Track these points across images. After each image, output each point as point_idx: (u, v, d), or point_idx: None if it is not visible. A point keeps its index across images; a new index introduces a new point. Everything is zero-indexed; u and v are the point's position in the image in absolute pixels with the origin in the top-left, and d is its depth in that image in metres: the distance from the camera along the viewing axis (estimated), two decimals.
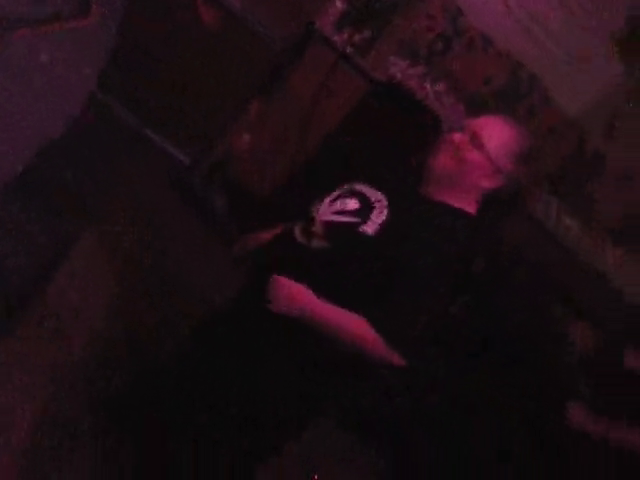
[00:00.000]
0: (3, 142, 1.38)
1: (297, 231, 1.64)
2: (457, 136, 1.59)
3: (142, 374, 2.18)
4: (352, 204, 1.61)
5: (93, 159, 2.82)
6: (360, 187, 1.67)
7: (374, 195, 1.62)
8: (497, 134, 1.57)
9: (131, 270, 2.77)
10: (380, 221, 1.54)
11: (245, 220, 3.26)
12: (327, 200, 1.67)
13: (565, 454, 2.39)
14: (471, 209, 1.61)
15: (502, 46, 3.28)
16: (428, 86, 3.22)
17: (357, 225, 1.55)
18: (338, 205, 1.63)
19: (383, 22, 3.18)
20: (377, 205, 1.59)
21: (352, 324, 1.52)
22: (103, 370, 2.31)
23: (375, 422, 2.88)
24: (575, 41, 3.45)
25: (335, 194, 1.67)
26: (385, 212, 1.56)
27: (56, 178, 2.53)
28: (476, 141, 1.56)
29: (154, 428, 1.88)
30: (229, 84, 3.29)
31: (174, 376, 1.88)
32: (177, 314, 2.65)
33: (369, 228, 1.53)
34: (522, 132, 1.63)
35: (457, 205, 1.60)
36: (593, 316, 2.73)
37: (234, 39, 3.21)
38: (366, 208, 1.59)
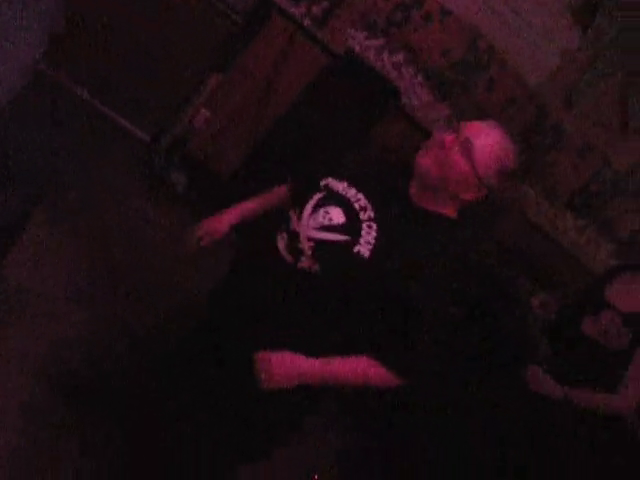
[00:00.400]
0: None
1: (281, 246, 1.54)
2: (448, 138, 1.50)
3: (128, 368, 2.15)
4: (337, 216, 1.51)
5: (46, 139, 2.75)
6: (339, 186, 1.57)
7: (357, 200, 1.53)
8: (488, 144, 1.49)
9: (97, 254, 2.73)
10: (372, 240, 1.46)
11: (206, 197, 3.24)
12: (308, 207, 1.55)
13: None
14: (451, 213, 1.56)
15: (461, 17, 3.28)
16: (386, 58, 3.21)
17: (350, 245, 1.46)
18: (322, 217, 1.52)
19: None
20: (363, 216, 1.50)
21: (355, 370, 1.49)
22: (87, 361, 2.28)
23: (377, 421, 2.87)
24: (535, 12, 3.46)
25: (315, 199, 1.56)
26: (374, 227, 1.48)
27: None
28: (466, 148, 1.48)
29: (143, 424, 1.88)
30: (187, 58, 3.24)
31: (163, 371, 1.86)
32: (151, 303, 2.63)
33: (364, 249, 1.45)
34: (514, 149, 1.54)
35: (442, 212, 1.55)
36: (554, 285, 2.76)
37: (192, 11, 3.16)
38: (353, 221, 1.49)
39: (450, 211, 1.55)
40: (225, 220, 1.84)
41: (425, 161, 1.50)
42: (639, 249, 3.70)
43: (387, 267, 1.44)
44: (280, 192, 1.87)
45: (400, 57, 3.21)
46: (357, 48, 3.14)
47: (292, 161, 2.90)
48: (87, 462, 2.04)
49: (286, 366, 1.48)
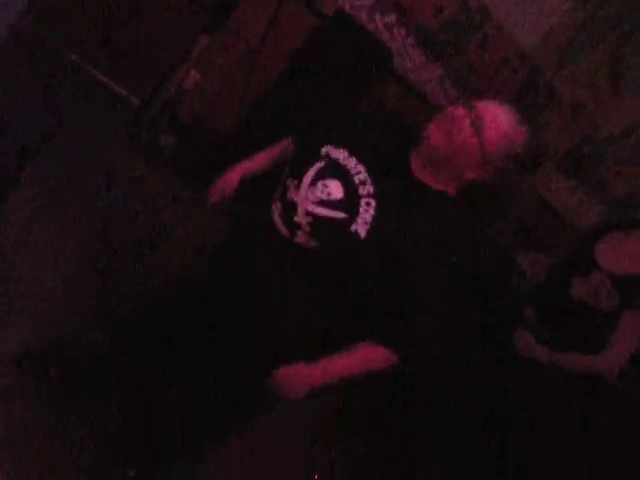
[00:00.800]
0: None
1: (277, 216, 1.54)
2: (459, 112, 1.48)
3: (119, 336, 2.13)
4: (336, 191, 1.49)
5: (27, 99, 2.71)
6: (339, 155, 1.54)
7: (357, 172, 1.51)
8: (499, 125, 1.47)
9: (74, 223, 2.69)
10: (370, 218, 1.45)
11: (196, 160, 3.22)
12: (306, 179, 1.53)
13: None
14: (452, 191, 1.55)
15: None
16: (378, 18, 3.16)
17: (346, 223, 1.46)
18: (320, 190, 1.50)
19: None
20: (362, 192, 1.48)
21: (354, 361, 1.52)
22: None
23: (377, 421, 2.89)
24: None
25: (314, 169, 1.54)
26: (372, 204, 1.47)
27: None
28: (478, 124, 1.45)
29: (137, 399, 1.90)
30: (176, 19, 3.19)
31: (158, 346, 1.86)
32: (152, 271, 2.63)
33: (361, 228, 1.45)
34: (525, 134, 1.51)
35: (444, 189, 1.54)
36: (543, 245, 2.76)
37: None
38: (351, 197, 1.48)
39: (450, 189, 1.54)
40: (232, 176, 1.85)
41: (434, 134, 1.49)
42: (631, 211, 3.71)
43: (383, 246, 1.44)
44: (284, 146, 1.86)
45: (392, 18, 3.17)
46: (347, 9, 3.09)
47: (285, 124, 2.87)
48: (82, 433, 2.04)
49: (288, 379, 1.53)
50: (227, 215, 2.09)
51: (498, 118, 1.47)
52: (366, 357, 1.52)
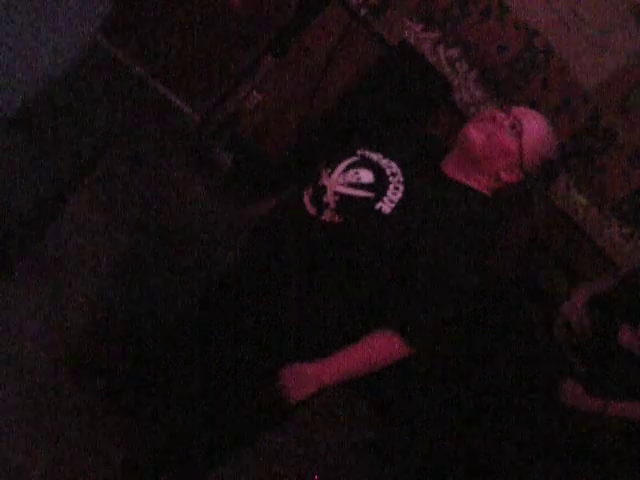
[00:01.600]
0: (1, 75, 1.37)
1: (306, 198, 1.57)
2: (500, 115, 1.52)
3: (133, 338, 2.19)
4: (367, 176, 1.53)
5: (95, 109, 2.80)
6: (373, 156, 1.59)
7: (389, 167, 1.55)
8: (537, 130, 1.52)
9: (128, 229, 2.74)
10: (397, 199, 1.48)
11: (253, 180, 3.27)
12: (340, 167, 1.58)
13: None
14: (485, 191, 1.58)
15: (519, 14, 3.23)
16: (441, 51, 3.18)
17: (373, 201, 1.48)
18: (351, 176, 1.54)
19: None
20: (393, 180, 1.52)
21: (365, 355, 1.51)
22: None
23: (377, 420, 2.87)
24: (596, 14, 3.39)
25: (348, 161, 1.59)
26: (401, 189, 1.50)
27: (51, 123, 2.50)
28: (517, 128, 1.51)
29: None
30: (243, 39, 3.26)
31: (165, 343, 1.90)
32: (175, 278, 2.65)
33: (386, 206, 1.47)
34: (556, 140, 1.59)
35: (476, 187, 1.56)
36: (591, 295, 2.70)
37: None
38: (381, 182, 1.51)
39: (484, 188, 1.57)
40: (259, 210, 1.88)
41: (474, 132, 1.53)
42: None
43: (406, 225, 1.46)
44: None
45: (455, 52, 3.18)
46: (412, 40, 3.12)
47: (342, 151, 2.90)
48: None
49: (298, 376, 1.51)
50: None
51: (535, 123, 1.53)
52: (379, 348, 1.51)
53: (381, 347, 1.51)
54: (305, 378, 1.51)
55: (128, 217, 2.78)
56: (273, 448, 2.41)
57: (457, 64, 3.20)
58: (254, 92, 3.22)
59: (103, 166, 2.81)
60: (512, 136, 1.50)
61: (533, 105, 3.34)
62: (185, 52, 3.28)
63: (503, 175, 1.54)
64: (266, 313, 1.59)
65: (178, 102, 3.42)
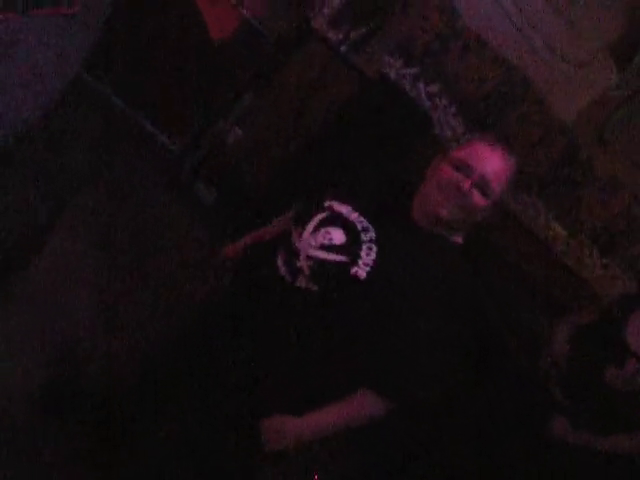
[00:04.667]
0: None
1: (280, 262, 1.54)
2: (464, 183, 1.47)
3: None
4: (338, 237, 1.50)
5: (77, 144, 2.79)
6: (343, 210, 1.56)
7: (359, 222, 1.52)
8: (501, 174, 1.50)
9: (109, 258, 2.73)
10: (371, 261, 1.45)
11: (235, 213, 3.26)
12: (310, 226, 1.55)
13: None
14: (460, 240, 1.57)
15: (497, 49, 3.28)
16: (422, 87, 3.21)
17: (347, 266, 1.45)
18: (322, 236, 1.51)
19: (380, 20, 3.17)
20: (365, 238, 1.49)
21: (349, 412, 1.50)
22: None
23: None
24: (572, 47, 3.45)
25: (318, 218, 1.55)
26: (374, 249, 1.47)
27: (36, 162, 2.49)
28: (487, 189, 1.48)
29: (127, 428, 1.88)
30: (224, 74, 3.27)
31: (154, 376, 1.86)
32: (156, 306, 2.63)
33: (361, 270, 1.44)
34: (514, 160, 1.54)
35: (449, 238, 1.55)
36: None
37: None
38: (354, 242, 1.48)
39: (459, 238, 1.56)
40: (240, 247, 1.89)
41: (443, 211, 1.49)
42: None
43: (383, 289, 1.44)
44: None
45: (435, 87, 3.22)
46: (393, 75, 3.15)
47: (315, 183, 2.91)
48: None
49: (277, 428, 1.51)
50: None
51: (494, 162, 1.49)
52: (357, 407, 1.49)
53: (360, 405, 1.50)
54: (285, 432, 1.51)
55: (108, 247, 2.76)
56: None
57: (437, 99, 3.23)
58: (235, 127, 3.22)
59: (84, 197, 2.80)
60: (482, 196, 1.48)
61: (511, 139, 3.38)
62: (166, 85, 3.29)
63: (479, 218, 1.53)
64: (245, 368, 1.57)
65: (158, 134, 3.42)
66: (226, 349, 1.61)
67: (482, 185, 1.47)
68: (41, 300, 2.33)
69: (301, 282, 1.49)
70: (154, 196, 3.19)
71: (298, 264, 1.50)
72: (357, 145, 3.09)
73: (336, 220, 1.53)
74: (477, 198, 1.48)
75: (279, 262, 1.54)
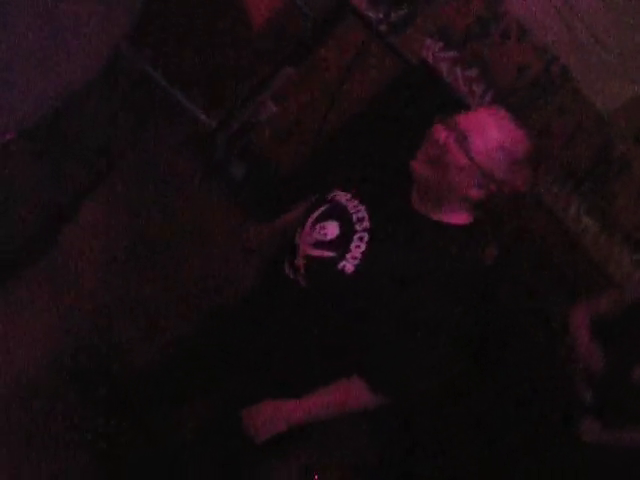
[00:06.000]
0: (23, 86, 1.37)
1: (287, 262, 1.56)
2: (442, 134, 1.37)
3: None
4: (332, 230, 1.49)
5: (113, 115, 2.80)
6: (342, 198, 1.54)
7: (356, 211, 1.50)
8: (489, 134, 1.36)
9: (135, 241, 2.75)
10: (359, 253, 1.42)
11: (264, 191, 3.27)
12: (308, 222, 1.55)
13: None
14: (463, 220, 1.45)
15: (539, 37, 3.22)
16: (459, 71, 3.17)
17: (335, 261, 1.43)
18: (318, 232, 1.50)
19: (421, 1, 3.13)
20: (359, 228, 1.46)
21: (338, 399, 1.50)
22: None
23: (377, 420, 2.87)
24: (616, 39, 3.38)
25: (316, 214, 1.55)
26: (365, 238, 1.44)
27: (72, 133, 2.51)
28: (463, 142, 1.35)
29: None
30: (260, 49, 3.26)
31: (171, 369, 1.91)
32: (179, 298, 2.66)
33: (349, 264, 1.42)
34: (521, 133, 1.39)
35: (446, 220, 1.44)
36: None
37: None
38: (346, 234, 1.46)
39: (461, 218, 1.45)
40: (267, 232, 1.89)
41: (417, 165, 1.42)
42: None
43: (373, 283, 1.41)
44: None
45: (473, 72, 3.17)
46: (430, 59, 3.11)
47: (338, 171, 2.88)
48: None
49: (268, 414, 1.52)
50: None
51: (485, 128, 1.36)
52: (347, 393, 1.49)
53: (349, 393, 1.49)
54: (275, 416, 1.52)
55: (133, 224, 2.78)
56: (273, 448, 2.40)
57: (474, 85, 3.19)
58: (270, 103, 3.21)
59: (113, 172, 2.82)
60: (460, 151, 1.35)
61: (547, 129, 3.33)
62: (203, 60, 3.29)
63: (472, 193, 1.40)
64: (259, 364, 1.62)
65: (194, 109, 3.42)
66: (241, 349, 1.66)
67: (462, 140, 1.35)
68: (70, 282, 2.35)
69: (300, 279, 1.51)
70: (187, 172, 3.21)
71: (297, 262, 1.52)
72: (391, 129, 3.06)
73: (333, 212, 1.53)
74: (454, 154, 1.36)
75: (286, 263, 1.57)
